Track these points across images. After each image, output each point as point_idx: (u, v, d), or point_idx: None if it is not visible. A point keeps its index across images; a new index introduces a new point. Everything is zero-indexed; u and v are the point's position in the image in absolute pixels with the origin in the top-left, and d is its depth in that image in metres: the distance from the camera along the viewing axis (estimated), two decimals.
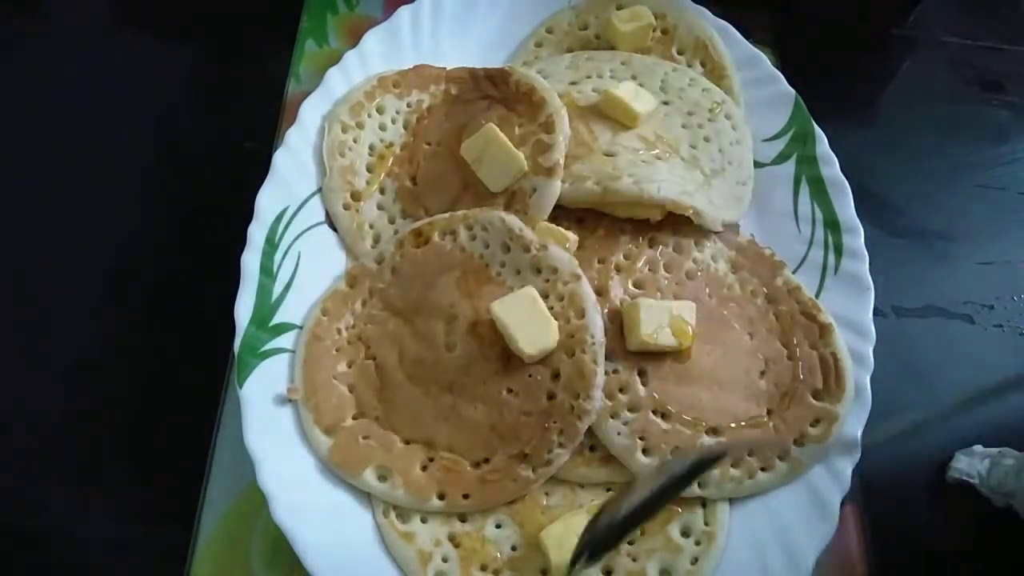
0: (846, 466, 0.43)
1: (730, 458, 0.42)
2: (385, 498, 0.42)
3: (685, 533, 0.42)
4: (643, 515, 0.35)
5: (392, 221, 0.50)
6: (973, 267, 0.57)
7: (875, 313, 0.47)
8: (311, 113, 0.51)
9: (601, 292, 0.46)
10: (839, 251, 0.50)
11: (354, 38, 0.55)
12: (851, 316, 0.47)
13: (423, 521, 0.42)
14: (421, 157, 0.51)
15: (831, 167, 0.52)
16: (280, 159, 0.49)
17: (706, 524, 0.42)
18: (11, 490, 0.45)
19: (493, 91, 0.52)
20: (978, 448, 0.48)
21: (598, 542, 0.34)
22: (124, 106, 0.58)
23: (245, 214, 0.46)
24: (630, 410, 0.44)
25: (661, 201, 0.47)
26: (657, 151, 0.50)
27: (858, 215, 0.50)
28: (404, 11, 0.56)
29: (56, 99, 0.58)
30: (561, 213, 0.48)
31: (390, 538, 0.41)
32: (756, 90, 0.56)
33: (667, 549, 0.41)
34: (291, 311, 0.46)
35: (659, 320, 0.44)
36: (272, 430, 0.42)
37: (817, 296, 0.49)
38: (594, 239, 0.48)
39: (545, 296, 0.44)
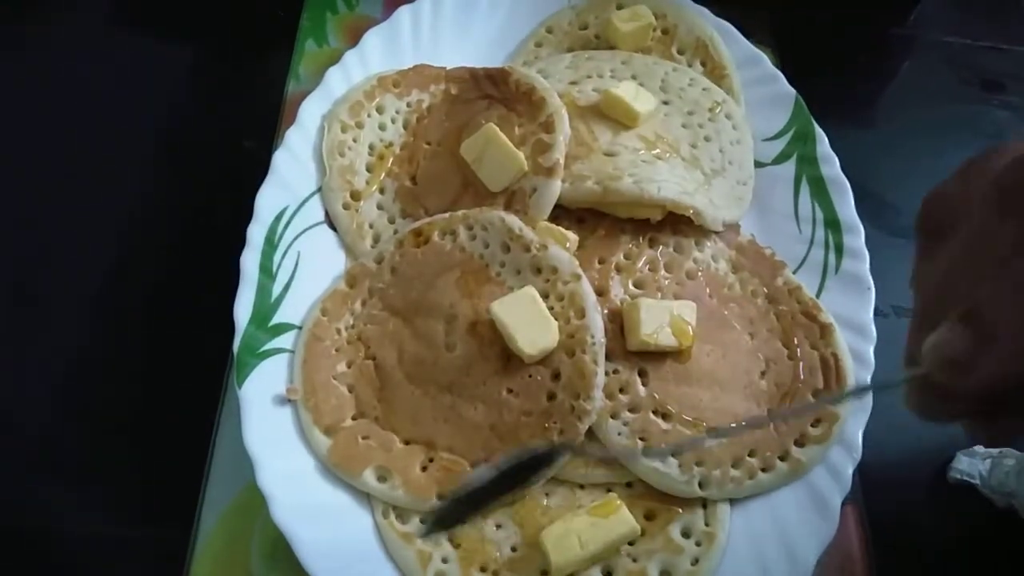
0: (847, 466, 0.43)
1: (569, 456, 0.41)
2: (385, 498, 0.42)
3: (686, 534, 0.42)
4: (487, 496, 0.36)
5: (392, 221, 0.50)
6: None
7: (876, 313, 0.47)
8: (311, 113, 0.51)
9: (601, 292, 0.46)
10: (840, 251, 0.50)
11: (354, 38, 0.55)
12: (852, 316, 0.47)
13: (423, 521, 0.42)
14: (421, 157, 0.51)
15: (831, 167, 0.52)
16: (280, 159, 0.49)
17: (707, 525, 0.42)
18: (11, 490, 0.45)
19: (493, 91, 0.52)
20: (979, 448, 0.48)
21: (442, 516, 0.36)
22: (124, 106, 0.58)
23: (245, 214, 0.46)
24: (630, 410, 0.44)
25: (661, 201, 0.47)
26: (657, 151, 0.50)
27: (858, 215, 0.50)
28: (404, 11, 0.56)
29: (56, 99, 0.58)
30: (561, 213, 0.48)
31: (390, 538, 0.41)
32: (756, 90, 0.56)
33: (668, 550, 0.41)
34: (290, 311, 0.46)
35: (659, 320, 0.44)
36: (271, 430, 0.42)
37: (818, 296, 0.49)
38: (594, 239, 0.48)
39: (545, 296, 0.44)
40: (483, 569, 0.41)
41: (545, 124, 0.49)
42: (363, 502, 0.42)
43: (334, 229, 0.49)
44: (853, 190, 0.51)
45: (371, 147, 0.52)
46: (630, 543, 0.41)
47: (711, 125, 0.53)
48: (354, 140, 0.51)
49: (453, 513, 0.36)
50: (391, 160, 0.51)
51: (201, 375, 0.47)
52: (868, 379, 0.45)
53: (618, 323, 0.45)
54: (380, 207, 0.50)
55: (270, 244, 0.46)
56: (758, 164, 0.53)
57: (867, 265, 0.49)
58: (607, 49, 0.58)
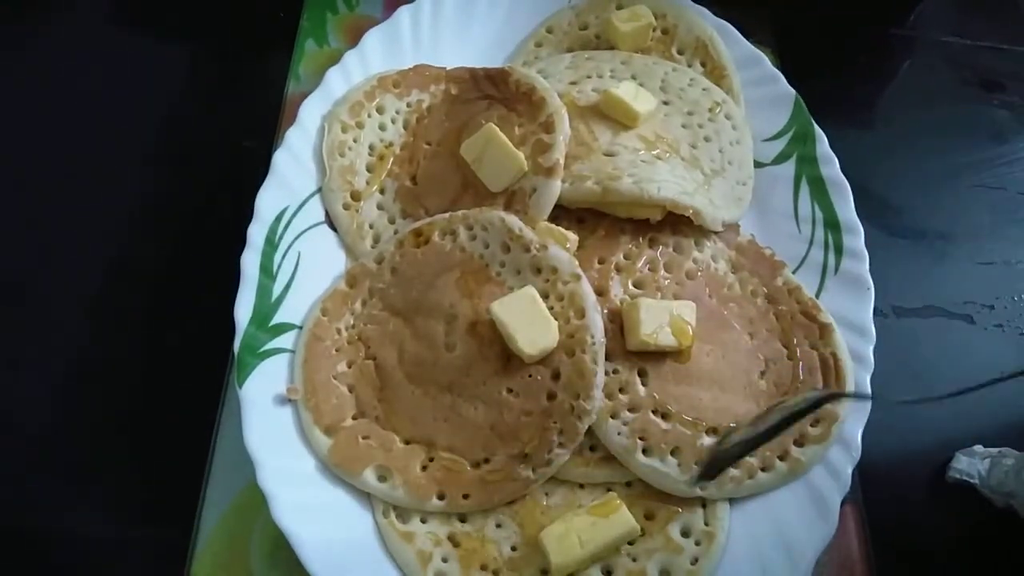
0: (846, 466, 0.43)
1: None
2: (385, 498, 0.42)
3: (685, 533, 0.42)
4: (760, 441, 0.37)
5: (392, 221, 0.50)
6: (973, 267, 0.57)
7: (875, 313, 0.47)
8: (311, 113, 0.51)
9: (601, 292, 0.46)
10: (839, 251, 0.50)
11: (354, 38, 0.55)
12: (851, 316, 0.47)
13: (423, 521, 0.42)
14: (421, 157, 0.51)
15: (831, 167, 0.52)
16: (280, 159, 0.49)
17: (706, 524, 0.42)
18: (11, 490, 0.45)
19: (493, 91, 0.52)
20: (978, 448, 0.48)
21: (719, 462, 0.38)
22: (124, 106, 0.58)
23: (245, 214, 0.46)
24: (630, 410, 0.44)
25: (661, 201, 0.47)
26: (657, 151, 0.50)
27: (858, 215, 0.50)
28: (404, 11, 0.56)
29: (56, 99, 0.58)
30: (561, 213, 0.48)
31: (390, 538, 0.41)
32: (756, 90, 0.56)
33: (667, 549, 0.41)
34: (291, 311, 0.46)
35: (659, 320, 0.44)
36: (272, 430, 0.42)
37: (817, 296, 0.49)
38: (594, 239, 0.48)
39: (545, 296, 0.44)
40: (483, 568, 0.41)
41: (545, 124, 0.49)
42: (363, 502, 0.42)
43: (334, 229, 0.49)
44: (853, 190, 0.51)
45: (371, 147, 0.52)
46: (630, 542, 0.41)
47: (711, 125, 0.53)
48: (354, 140, 0.51)
49: (724, 463, 0.38)
50: (391, 160, 0.51)
51: (201, 375, 0.47)
52: (867, 380, 0.45)
53: (618, 323, 0.45)
54: (380, 207, 0.50)
55: (270, 244, 0.46)
56: (758, 164, 0.53)
57: (867, 265, 0.49)
58: (607, 49, 0.58)
